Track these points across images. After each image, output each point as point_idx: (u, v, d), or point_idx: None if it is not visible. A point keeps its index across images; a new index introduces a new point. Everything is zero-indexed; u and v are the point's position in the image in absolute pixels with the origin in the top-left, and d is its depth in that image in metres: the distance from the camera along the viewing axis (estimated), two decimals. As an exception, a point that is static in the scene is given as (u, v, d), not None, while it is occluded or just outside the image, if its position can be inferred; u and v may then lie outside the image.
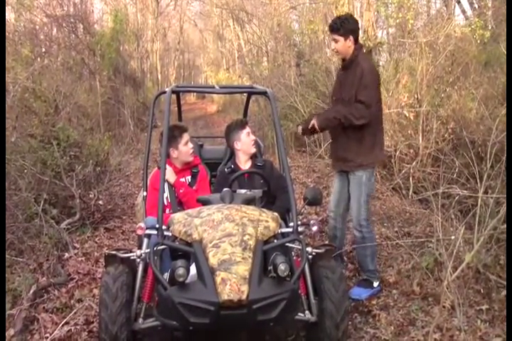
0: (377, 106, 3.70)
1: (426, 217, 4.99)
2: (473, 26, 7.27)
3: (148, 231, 2.87)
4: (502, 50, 5.95)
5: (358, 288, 3.82)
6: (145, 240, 3.00)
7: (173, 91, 3.46)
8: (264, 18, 13.00)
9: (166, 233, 2.77)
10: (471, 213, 3.60)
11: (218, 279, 2.37)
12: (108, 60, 11.97)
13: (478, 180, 3.67)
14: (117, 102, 12.56)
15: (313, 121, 3.67)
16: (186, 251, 2.64)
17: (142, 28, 20.54)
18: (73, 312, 3.44)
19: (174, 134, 3.57)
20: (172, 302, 2.41)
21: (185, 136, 3.65)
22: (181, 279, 2.40)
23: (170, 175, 3.60)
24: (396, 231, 4.86)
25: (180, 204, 3.61)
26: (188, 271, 2.44)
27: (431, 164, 6.05)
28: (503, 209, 3.06)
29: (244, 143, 3.75)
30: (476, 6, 10.82)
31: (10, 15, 9.99)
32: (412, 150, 6.38)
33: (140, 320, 2.81)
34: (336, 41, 3.69)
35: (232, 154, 3.95)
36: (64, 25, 11.28)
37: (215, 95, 20.08)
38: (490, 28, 8.20)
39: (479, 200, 3.29)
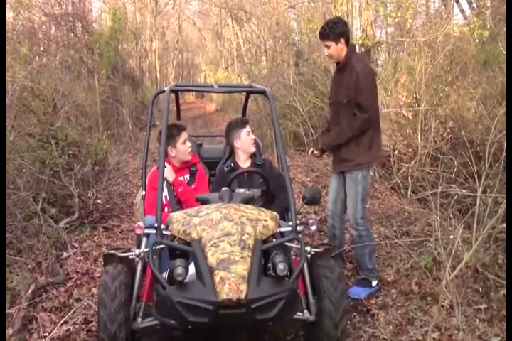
0: (375, 106, 3.72)
1: (424, 217, 4.99)
2: (471, 26, 7.28)
3: (146, 231, 2.87)
4: (501, 49, 5.95)
5: (357, 288, 3.83)
6: (144, 239, 3.00)
7: (171, 91, 3.46)
8: (263, 17, 12.99)
9: (164, 232, 2.77)
10: (470, 212, 3.60)
11: (217, 278, 2.36)
12: (107, 59, 11.95)
13: (476, 180, 3.67)
14: (116, 101, 12.55)
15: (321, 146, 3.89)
16: (185, 250, 2.63)
17: (141, 26, 20.53)
18: (72, 311, 3.43)
19: (172, 133, 3.56)
20: (171, 302, 2.40)
21: (184, 135, 3.65)
22: (180, 278, 2.40)
23: (169, 174, 3.60)
24: (395, 230, 4.86)
25: (178, 203, 3.61)
26: (186, 270, 2.44)
27: (429, 163, 6.05)
28: (502, 209, 3.06)
29: (244, 141, 3.76)
30: (475, 5, 10.83)
31: (8, 13, 9.95)
32: (410, 150, 6.39)
33: (139, 320, 2.80)
34: (328, 47, 3.73)
35: (231, 153, 3.95)
36: (62, 23, 11.26)
37: (214, 94, 20.13)
38: (489, 27, 8.20)
39: (478, 200, 3.29)
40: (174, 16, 30.23)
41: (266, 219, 2.75)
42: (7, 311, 3.29)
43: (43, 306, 3.56)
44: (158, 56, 24.73)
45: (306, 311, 2.90)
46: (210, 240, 2.53)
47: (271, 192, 3.60)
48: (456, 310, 2.89)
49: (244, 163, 3.80)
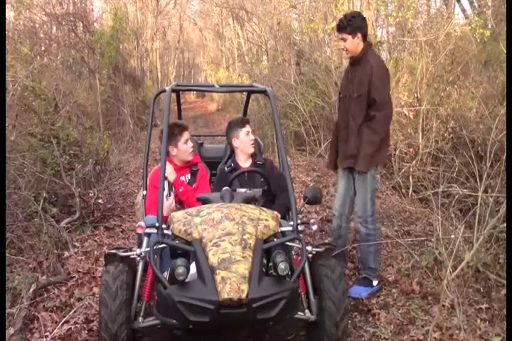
0: (390, 103, 3.70)
1: (426, 216, 4.99)
2: (473, 25, 7.25)
3: (148, 230, 2.88)
4: (502, 49, 5.94)
5: (358, 287, 3.83)
6: (145, 239, 3.00)
7: (172, 90, 3.46)
8: (264, 16, 12.98)
9: (165, 232, 2.77)
10: (471, 212, 3.60)
11: (218, 278, 2.36)
12: (108, 59, 11.95)
13: (478, 179, 3.67)
14: (117, 101, 12.55)
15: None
16: (186, 249, 2.63)
17: (142, 26, 20.55)
18: (73, 310, 3.44)
19: (174, 132, 3.57)
20: (172, 301, 2.41)
21: (186, 135, 3.65)
22: (181, 278, 2.40)
23: (170, 173, 3.60)
24: (396, 230, 4.86)
25: (179, 203, 3.61)
26: (187, 269, 2.44)
27: (431, 163, 6.05)
28: (503, 208, 3.06)
29: (243, 141, 3.74)
30: (476, 4, 10.81)
31: (9, 13, 9.98)
32: (411, 149, 6.38)
33: (140, 319, 2.81)
34: (345, 40, 3.67)
35: (232, 153, 3.95)
36: (63, 23, 11.26)
37: (215, 94, 20.12)
38: (490, 27, 8.20)
39: (479, 199, 3.29)
40: (175, 16, 30.24)
41: (267, 219, 2.76)
42: (8, 310, 3.30)
43: (44, 305, 3.56)
44: (159, 56, 24.75)
45: (307, 311, 2.90)
46: (211, 240, 2.54)
47: (272, 191, 3.60)
48: (457, 309, 2.89)
49: (244, 162, 3.80)
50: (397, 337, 3.19)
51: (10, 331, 3.12)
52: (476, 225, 3.17)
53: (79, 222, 5.25)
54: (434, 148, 6.00)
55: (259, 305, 2.37)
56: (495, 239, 3.63)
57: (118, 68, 13.15)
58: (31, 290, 3.57)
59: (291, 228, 2.88)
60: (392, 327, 3.29)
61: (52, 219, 4.76)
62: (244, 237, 2.55)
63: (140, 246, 3.09)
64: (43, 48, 10.36)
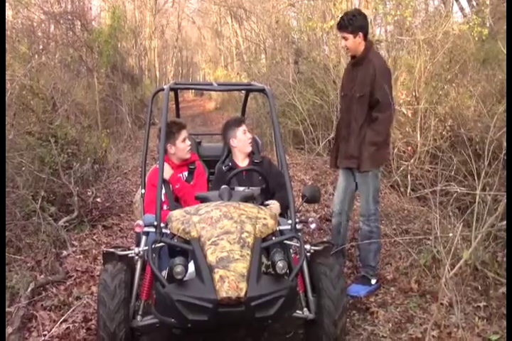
0: (392, 104, 3.69)
1: (424, 215, 5.00)
2: (471, 24, 7.26)
3: (146, 229, 2.87)
4: (500, 47, 5.94)
5: (356, 285, 3.83)
6: (143, 238, 2.99)
7: (171, 89, 3.45)
8: (263, 15, 12.96)
9: (164, 230, 2.77)
10: (469, 210, 3.61)
11: (216, 276, 2.36)
12: (106, 57, 11.93)
13: (476, 178, 3.67)
14: (115, 99, 12.53)
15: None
16: (184, 248, 2.63)
17: (140, 25, 20.51)
18: (71, 309, 3.43)
19: (172, 130, 3.57)
20: (170, 300, 2.41)
21: (184, 133, 3.65)
22: (179, 277, 2.40)
23: (166, 171, 3.59)
24: (394, 228, 4.87)
25: (177, 200, 3.62)
26: (186, 268, 2.44)
27: (429, 161, 6.06)
28: (501, 207, 3.06)
29: (240, 140, 3.74)
30: (474, 3, 10.81)
31: (7, 12, 9.94)
32: (410, 148, 6.39)
33: (138, 318, 2.81)
34: (346, 39, 3.66)
35: (229, 152, 3.95)
36: (61, 22, 11.24)
37: (213, 92, 20.09)
38: (488, 25, 8.19)
39: (477, 197, 3.29)
40: (173, 14, 30.18)
41: (265, 217, 2.76)
42: (6, 309, 3.30)
43: (42, 304, 3.56)
44: (157, 54, 24.71)
45: (305, 309, 2.90)
46: (209, 238, 2.54)
47: (270, 189, 3.60)
48: (456, 307, 2.89)
49: (242, 161, 3.80)
50: (395, 335, 3.19)
51: (8, 330, 3.11)
52: (474, 223, 3.17)
53: (77, 221, 5.25)
54: (433, 147, 6.00)
55: (258, 304, 2.37)
56: (493, 237, 3.64)
57: (116, 67, 13.13)
58: (29, 289, 3.57)
59: (289, 226, 2.88)
60: (390, 325, 3.29)
61: (51, 218, 4.76)
62: (243, 236, 2.55)
63: (138, 244, 3.08)
64: (40, 47, 10.35)
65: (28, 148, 5.23)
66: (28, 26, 10.28)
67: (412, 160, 6.12)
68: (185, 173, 3.72)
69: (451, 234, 3.34)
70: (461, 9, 11.32)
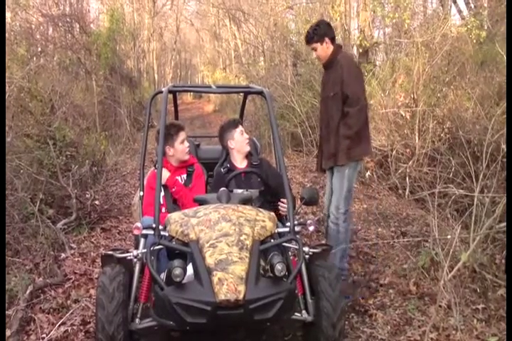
0: (363, 99, 3.78)
1: (422, 217, 5.01)
2: (469, 26, 7.29)
3: (144, 231, 2.86)
4: (498, 49, 5.96)
5: None
6: (142, 240, 2.99)
7: (169, 91, 3.46)
8: (261, 17, 12.99)
9: (162, 233, 2.77)
10: (467, 212, 3.61)
11: (215, 279, 2.36)
12: (104, 60, 11.95)
13: (474, 180, 3.68)
14: (114, 102, 12.54)
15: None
16: (183, 251, 2.63)
17: (139, 27, 20.50)
18: (70, 312, 3.43)
19: (170, 132, 3.57)
20: (169, 303, 2.40)
21: (182, 135, 3.65)
22: (178, 279, 2.40)
23: (163, 174, 3.59)
24: (392, 230, 4.87)
25: (175, 203, 3.61)
26: (184, 271, 2.44)
27: (427, 164, 6.07)
28: (499, 209, 3.07)
29: (238, 141, 3.74)
30: (472, 5, 10.84)
31: (6, 14, 9.96)
32: (408, 150, 6.40)
33: (137, 320, 2.80)
34: (315, 49, 3.83)
35: (227, 154, 3.94)
36: (60, 24, 11.26)
37: (211, 95, 20.12)
38: (486, 27, 8.22)
39: (475, 200, 3.30)
40: (172, 17, 30.16)
41: (264, 220, 2.76)
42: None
43: (40, 307, 3.55)
44: (156, 57, 24.68)
45: (304, 311, 2.90)
46: (208, 241, 2.53)
47: (273, 189, 3.59)
48: (454, 310, 2.89)
49: (240, 163, 3.79)
50: (393, 337, 3.19)
51: (7, 333, 3.11)
52: (472, 225, 3.18)
53: (75, 224, 5.24)
54: (431, 149, 6.02)
55: (256, 306, 2.37)
56: (491, 239, 3.64)
57: (115, 69, 13.13)
58: (28, 292, 3.56)
59: (288, 229, 2.88)
60: (389, 327, 3.29)
61: (49, 221, 4.75)
62: (241, 238, 2.55)
63: (137, 247, 3.08)
64: (39, 49, 10.37)
65: (26, 151, 5.23)
66: (26, 29, 10.30)
67: (410, 163, 6.13)
68: (184, 176, 3.72)
69: (449, 236, 3.34)
70: (459, 12, 11.35)
